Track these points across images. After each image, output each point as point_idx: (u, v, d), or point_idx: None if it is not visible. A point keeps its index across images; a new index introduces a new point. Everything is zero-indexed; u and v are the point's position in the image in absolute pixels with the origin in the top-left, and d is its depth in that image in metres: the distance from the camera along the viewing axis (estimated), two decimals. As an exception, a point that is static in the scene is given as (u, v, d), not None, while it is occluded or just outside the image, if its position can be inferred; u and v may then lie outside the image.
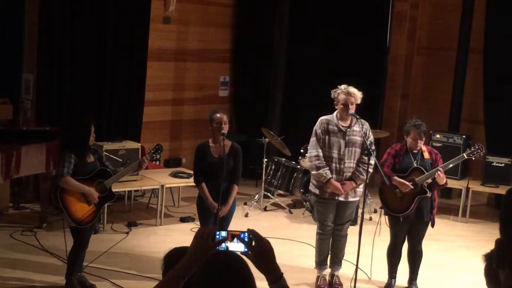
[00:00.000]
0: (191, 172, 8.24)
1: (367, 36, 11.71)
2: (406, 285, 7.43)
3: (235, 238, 2.76)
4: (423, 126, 7.06)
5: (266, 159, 10.32)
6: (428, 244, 7.66)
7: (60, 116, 9.79)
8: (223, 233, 2.76)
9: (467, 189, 10.30)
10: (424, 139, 7.10)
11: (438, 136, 10.79)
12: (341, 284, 7.42)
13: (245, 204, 10.35)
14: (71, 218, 6.68)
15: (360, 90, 7.13)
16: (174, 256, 2.93)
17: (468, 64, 11.26)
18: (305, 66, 11.96)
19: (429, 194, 7.05)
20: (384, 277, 7.49)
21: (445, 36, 11.80)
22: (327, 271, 7.52)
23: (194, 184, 7.16)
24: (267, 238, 2.80)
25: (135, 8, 10.57)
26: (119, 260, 7.82)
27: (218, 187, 6.69)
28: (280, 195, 10.76)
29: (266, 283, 2.77)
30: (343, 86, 7.10)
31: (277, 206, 10.52)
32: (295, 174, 10.36)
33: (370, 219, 9.87)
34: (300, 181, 10.40)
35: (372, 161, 6.92)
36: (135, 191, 10.10)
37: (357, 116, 7.06)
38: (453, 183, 10.05)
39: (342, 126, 7.12)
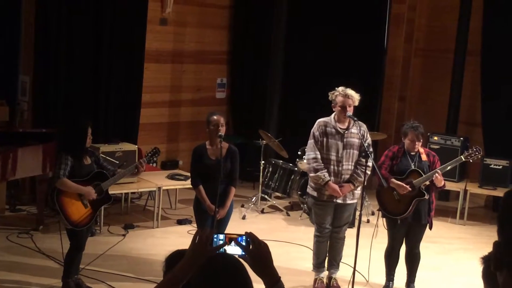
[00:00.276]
0: (188, 174, 8.22)
1: (364, 38, 11.70)
2: (404, 287, 7.40)
3: (233, 242, 2.75)
4: (421, 128, 7.05)
5: (263, 161, 10.30)
6: (426, 247, 7.65)
7: (56, 118, 9.75)
8: (221, 236, 2.75)
9: (465, 191, 10.30)
10: (421, 141, 7.09)
11: (435, 138, 10.78)
12: (338, 287, 7.40)
13: (242, 206, 10.33)
14: (68, 220, 6.65)
15: (358, 92, 7.13)
16: (176, 259, 2.91)
17: (465, 66, 11.26)
18: (302, 68, 11.94)
19: (426, 197, 7.04)
20: (382, 280, 7.47)
21: (443, 38, 11.80)
22: (325, 273, 7.50)
23: (191, 186, 7.13)
24: (265, 241, 2.79)
25: (132, 10, 10.55)
26: (116, 263, 7.79)
27: (215, 190, 6.66)
28: (277, 198, 10.74)
29: (264, 286, 2.75)
30: (340, 88, 7.09)
31: (275, 208, 10.49)
32: (292, 176, 10.34)
33: (368, 221, 9.85)
34: (297, 183, 10.38)
35: (370, 163, 6.91)
36: (132, 193, 10.08)
37: (355, 118, 7.05)
38: (451, 186, 10.04)
39: (340, 128, 7.10)
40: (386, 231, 7.32)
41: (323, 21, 11.82)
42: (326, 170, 7.06)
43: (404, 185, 6.98)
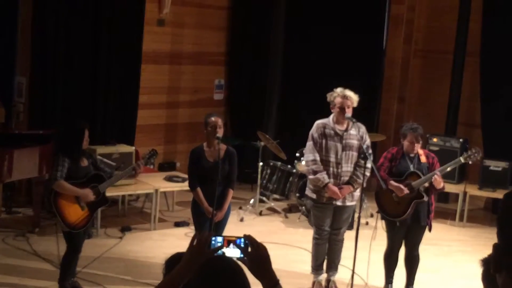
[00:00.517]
0: (186, 176, 8.19)
1: (363, 39, 11.67)
2: (403, 290, 7.38)
3: (231, 244, 2.73)
4: (420, 129, 7.02)
5: (261, 163, 10.26)
6: (425, 249, 7.62)
7: (53, 120, 9.71)
8: (219, 239, 2.74)
9: (464, 193, 10.28)
10: (421, 142, 7.06)
11: (435, 139, 10.75)
12: (337, 289, 7.37)
13: (240, 208, 10.29)
14: (64, 222, 6.63)
15: (357, 93, 7.10)
16: (176, 261, 2.89)
17: (465, 67, 11.24)
18: (301, 70, 11.92)
19: (425, 198, 7.01)
20: (380, 282, 7.44)
21: (442, 39, 11.78)
22: (323, 276, 7.47)
23: (188, 188, 7.10)
24: (263, 243, 2.76)
25: (130, 11, 10.52)
26: (112, 265, 7.76)
27: (213, 192, 6.63)
28: (275, 200, 10.70)
29: (262, 289, 2.73)
30: (339, 89, 7.06)
31: (273, 210, 10.46)
32: (290, 178, 10.31)
33: (367, 223, 9.81)
34: (296, 185, 10.34)
35: (369, 165, 6.88)
36: (129, 195, 10.03)
37: (354, 120, 7.01)
38: (450, 187, 10.01)
39: (339, 129, 7.07)
40: (385, 233, 7.29)
41: (322, 21, 11.80)
42: (325, 172, 7.03)
43: (403, 187, 6.95)
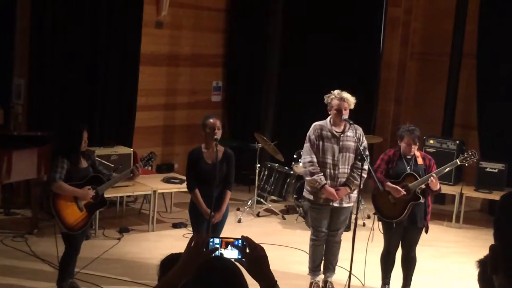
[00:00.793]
0: (184, 177, 8.20)
1: (360, 41, 11.70)
2: (400, 291, 7.41)
3: (229, 245, 2.74)
4: (417, 131, 7.04)
5: (259, 165, 10.28)
6: (422, 250, 7.63)
7: (51, 121, 9.71)
8: (217, 241, 2.75)
9: (461, 195, 10.30)
10: (418, 144, 7.08)
11: (431, 141, 10.77)
12: (334, 291, 7.40)
13: (238, 210, 10.31)
14: (63, 224, 6.63)
15: (354, 96, 7.11)
16: (171, 262, 2.90)
17: (461, 69, 11.26)
18: (298, 72, 11.93)
19: (422, 200, 7.02)
20: (377, 283, 7.46)
21: (438, 42, 11.81)
22: (321, 277, 7.49)
23: (186, 189, 7.11)
24: (260, 244, 2.77)
25: (128, 13, 10.52)
26: (110, 266, 7.77)
27: (211, 193, 6.64)
28: (273, 201, 10.72)
29: (260, 290, 2.74)
30: (336, 91, 7.08)
31: (270, 212, 10.48)
32: (288, 180, 10.33)
33: (364, 225, 9.84)
34: (293, 186, 10.37)
35: (366, 167, 6.90)
36: (127, 196, 10.05)
37: (351, 122, 7.04)
38: (446, 189, 10.02)
39: (336, 131, 7.09)
40: (382, 235, 7.31)
41: (319, 24, 11.82)
42: (322, 174, 7.05)
43: (399, 188, 6.97)
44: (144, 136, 11.17)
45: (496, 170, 10.36)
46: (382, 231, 7.29)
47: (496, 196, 9.90)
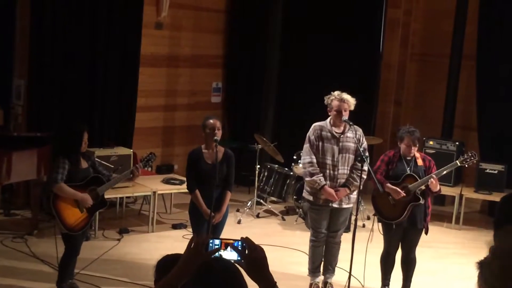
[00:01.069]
0: (184, 178, 8.19)
1: (360, 42, 11.70)
2: (400, 292, 7.41)
3: (229, 247, 2.74)
4: (417, 132, 7.04)
5: (258, 166, 10.28)
6: (422, 251, 7.63)
7: (51, 122, 9.71)
8: (217, 242, 2.74)
9: (461, 196, 10.30)
10: (417, 145, 7.08)
11: (431, 143, 10.77)
12: (334, 292, 7.40)
13: (238, 211, 10.31)
14: (63, 224, 6.63)
15: (353, 97, 7.11)
16: (167, 263, 2.91)
17: (461, 70, 11.25)
18: (298, 73, 11.93)
19: (422, 201, 7.02)
20: (377, 285, 7.46)
21: (438, 43, 11.80)
22: (320, 278, 7.49)
23: (186, 190, 7.11)
24: (260, 245, 2.77)
25: (127, 14, 10.52)
26: (110, 267, 7.77)
27: (211, 194, 6.64)
28: (272, 202, 10.72)
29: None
30: (336, 93, 7.08)
31: (270, 213, 10.48)
32: (288, 181, 10.33)
33: (363, 226, 9.84)
34: (293, 187, 10.37)
35: (366, 168, 6.90)
36: (127, 197, 10.05)
37: (351, 123, 7.04)
38: (446, 190, 10.03)
39: (336, 132, 7.09)
40: (381, 236, 7.32)
41: (319, 25, 11.81)
42: (321, 175, 7.05)
43: (399, 190, 6.97)
44: (144, 137, 11.17)
45: (496, 172, 10.36)
46: (382, 232, 7.29)
47: (496, 197, 9.89)
